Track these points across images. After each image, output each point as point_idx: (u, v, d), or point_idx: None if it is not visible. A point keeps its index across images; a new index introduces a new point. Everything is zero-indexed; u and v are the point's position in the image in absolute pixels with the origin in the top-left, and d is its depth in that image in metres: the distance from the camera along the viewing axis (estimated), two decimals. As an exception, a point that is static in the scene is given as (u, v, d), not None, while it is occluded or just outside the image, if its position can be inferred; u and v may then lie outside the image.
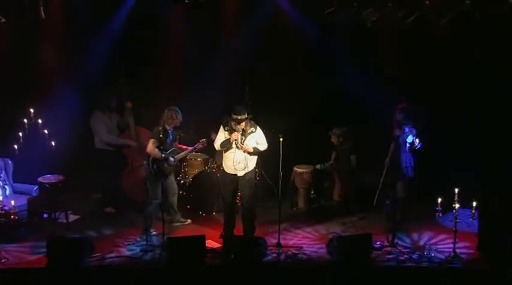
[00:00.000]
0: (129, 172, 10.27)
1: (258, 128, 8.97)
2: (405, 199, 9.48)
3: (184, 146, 9.67)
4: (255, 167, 9.10)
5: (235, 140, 8.83)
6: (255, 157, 9.01)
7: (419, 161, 9.45)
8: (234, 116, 8.74)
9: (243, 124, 8.78)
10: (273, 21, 11.11)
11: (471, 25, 10.10)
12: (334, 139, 10.26)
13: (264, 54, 11.16)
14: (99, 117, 10.03)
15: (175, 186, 9.70)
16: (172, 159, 9.29)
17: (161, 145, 9.21)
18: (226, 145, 8.93)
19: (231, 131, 8.86)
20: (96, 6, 10.45)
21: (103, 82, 10.60)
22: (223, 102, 10.59)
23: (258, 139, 8.94)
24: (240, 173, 8.95)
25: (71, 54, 10.70)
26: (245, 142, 8.85)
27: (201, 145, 9.51)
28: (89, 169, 10.48)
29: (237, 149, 8.88)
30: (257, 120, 9.21)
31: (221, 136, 9.00)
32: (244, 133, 8.83)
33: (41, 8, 9.71)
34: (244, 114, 8.76)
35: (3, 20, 9.69)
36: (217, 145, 9.06)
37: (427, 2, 9.89)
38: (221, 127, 9.00)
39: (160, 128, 9.22)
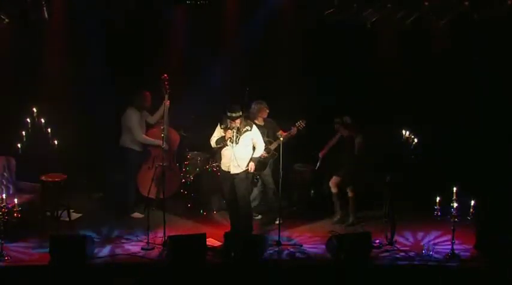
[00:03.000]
0: (149, 168, 10.04)
1: (254, 127, 9.00)
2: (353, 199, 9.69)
3: (284, 133, 9.65)
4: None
5: (230, 138, 8.89)
6: (249, 156, 9.01)
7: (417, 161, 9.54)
8: (229, 113, 8.79)
9: (238, 122, 8.82)
10: (273, 22, 11.19)
11: (470, 26, 10.18)
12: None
13: (264, 54, 11.24)
14: (133, 115, 9.88)
15: (270, 180, 9.79)
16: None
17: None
18: (221, 142, 9.00)
19: (226, 129, 8.92)
20: (98, 7, 10.52)
21: (100, 83, 10.60)
22: (224, 102, 10.66)
23: (253, 137, 8.96)
24: (234, 171, 8.99)
25: (74, 53, 10.76)
26: (240, 139, 8.88)
27: (294, 130, 9.54)
28: (90, 168, 10.54)
29: (231, 147, 8.94)
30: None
31: (217, 133, 9.06)
32: (239, 131, 8.88)
33: (44, 8, 9.78)
34: (239, 111, 8.80)
35: (7, 20, 9.77)
36: (212, 142, 9.12)
37: (426, 3, 9.95)
38: (218, 125, 9.05)
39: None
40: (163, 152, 9.51)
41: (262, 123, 9.62)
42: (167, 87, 9.84)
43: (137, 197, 10.12)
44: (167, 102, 9.86)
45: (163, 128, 9.67)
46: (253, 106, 9.60)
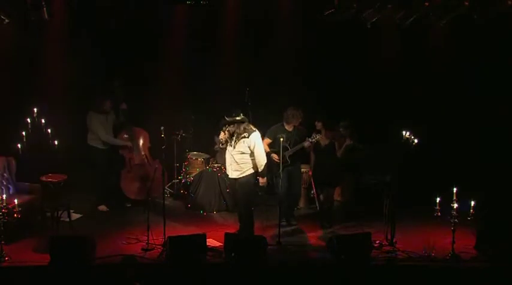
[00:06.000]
0: (128, 172, 10.30)
1: (254, 134, 8.80)
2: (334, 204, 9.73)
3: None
4: (253, 172, 9.00)
5: (221, 140, 8.89)
6: (250, 162, 8.92)
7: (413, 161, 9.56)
8: (225, 117, 8.77)
9: (234, 126, 8.78)
10: (273, 22, 11.20)
11: (470, 26, 10.19)
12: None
13: (264, 54, 11.25)
14: (94, 116, 10.07)
15: (291, 185, 9.67)
16: (273, 155, 9.32)
17: (276, 142, 9.28)
18: (220, 144, 9.04)
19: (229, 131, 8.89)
20: (98, 7, 10.53)
21: (101, 83, 10.67)
22: (223, 102, 10.68)
23: (250, 145, 8.81)
24: (232, 175, 8.99)
25: (74, 54, 10.77)
26: (237, 145, 8.84)
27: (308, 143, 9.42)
28: (90, 168, 10.54)
29: (228, 152, 8.93)
30: (257, 120, 9.28)
31: (222, 134, 9.05)
32: (237, 136, 8.83)
33: (44, 8, 9.79)
34: (235, 116, 8.72)
35: (7, 20, 9.78)
36: (220, 143, 9.14)
37: (427, 4, 9.96)
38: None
39: (278, 126, 9.50)
40: (132, 151, 10.14)
41: (290, 129, 9.51)
42: (120, 91, 10.29)
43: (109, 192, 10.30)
44: (123, 104, 10.29)
45: (127, 131, 10.23)
46: (288, 110, 9.48)
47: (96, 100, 10.14)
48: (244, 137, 8.81)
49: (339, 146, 9.66)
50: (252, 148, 8.84)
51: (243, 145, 8.83)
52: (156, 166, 9.72)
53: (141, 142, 10.36)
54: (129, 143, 10.28)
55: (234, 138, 8.83)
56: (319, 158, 9.66)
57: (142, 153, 10.35)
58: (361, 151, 9.93)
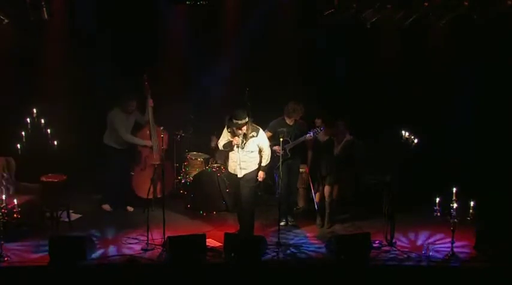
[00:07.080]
0: (141, 170, 10.21)
1: (261, 132, 8.97)
2: (333, 201, 9.63)
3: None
4: (257, 168, 9.08)
5: (236, 144, 8.90)
6: (257, 159, 9.04)
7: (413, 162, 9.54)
8: (235, 121, 8.76)
9: (244, 128, 8.81)
10: (273, 22, 11.20)
11: (470, 26, 10.20)
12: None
13: (264, 54, 11.25)
14: (118, 114, 9.97)
15: (290, 182, 9.68)
16: (275, 148, 9.30)
17: (276, 136, 9.30)
18: (228, 147, 9.02)
19: (233, 133, 8.90)
20: (98, 7, 10.54)
21: (101, 83, 10.63)
22: (223, 103, 10.69)
23: (259, 143, 8.95)
24: (240, 174, 9.03)
25: (74, 54, 10.78)
26: (246, 145, 8.89)
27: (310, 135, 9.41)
28: (90, 168, 10.55)
29: (238, 151, 8.95)
30: (257, 120, 9.27)
31: (225, 137, 9.05)
32: (245, 137, 8.87)
33: (44, 8, 9.80)
34: (245, 118, 8.76)
35: (7, 20, 9.79)
36: (220, 145, 9.14)
37: (426, 4, 9.97)
38: (225, 128, 9.04)
39: (279, 120, 9.50)
40: (152, 151, 9.86)
41: (291, 123, 9.55)
42: (148, 86, 10.07)
43: (119, 193, 10.21)
44: (150, 101, 10.07)
45: (150, 129, 10.01)
46: (289, 104, 9.50)
47: (122, 99, 10.01)
48: (253, 136, 8.89)
49: (338, 142, 9.65)
50: (261, 145, 8.95)
51: (252, 144, 8.91)
52: (156, 165, 9.71)
53: (160, 142, 10.24)
54: (149, 143, 10.15)
55: (241, 138, 8.86)
56: (316, 154, 9.66)
57: (160, 154, 10.25)
58: (361, 146, 9.91)
